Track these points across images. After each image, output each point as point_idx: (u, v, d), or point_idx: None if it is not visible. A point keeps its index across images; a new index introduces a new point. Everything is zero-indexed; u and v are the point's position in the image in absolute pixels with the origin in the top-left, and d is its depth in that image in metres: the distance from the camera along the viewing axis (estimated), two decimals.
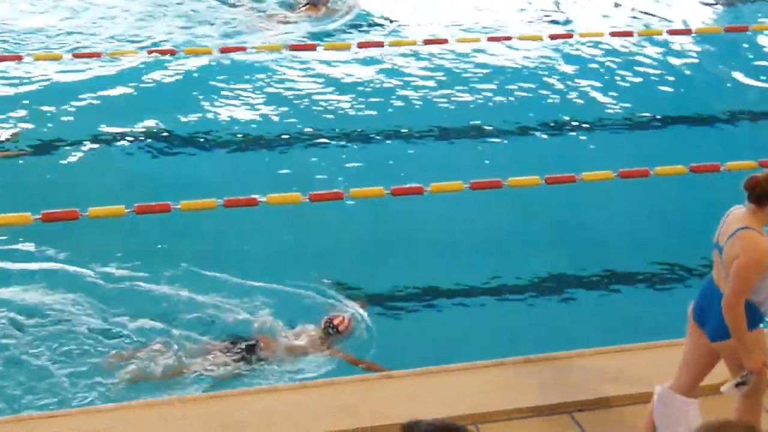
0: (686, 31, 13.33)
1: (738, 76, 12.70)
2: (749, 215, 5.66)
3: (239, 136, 11.14)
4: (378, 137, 11.13)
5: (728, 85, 12.56)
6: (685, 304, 6.07)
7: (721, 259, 5.79)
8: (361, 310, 8.85)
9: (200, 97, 11.80)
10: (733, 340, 5.79)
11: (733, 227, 5.69)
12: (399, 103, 11.84)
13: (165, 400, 7.04)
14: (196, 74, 12.26)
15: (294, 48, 12.37)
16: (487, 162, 10.60)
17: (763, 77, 12.66)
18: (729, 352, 5.90)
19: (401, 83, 12.28)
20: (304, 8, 13.91)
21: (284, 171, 10.49)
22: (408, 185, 9.24)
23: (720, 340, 5.87)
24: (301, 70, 12.43)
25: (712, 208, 8.43)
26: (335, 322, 8.66)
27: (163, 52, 12.27)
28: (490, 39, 12.70)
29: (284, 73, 12.32)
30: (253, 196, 8.93)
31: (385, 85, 12.22)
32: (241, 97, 11.86)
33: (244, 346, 8.40)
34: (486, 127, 11.37)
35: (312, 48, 12.39)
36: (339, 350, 8.53)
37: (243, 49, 12.36)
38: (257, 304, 8.77)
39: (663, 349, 7.36)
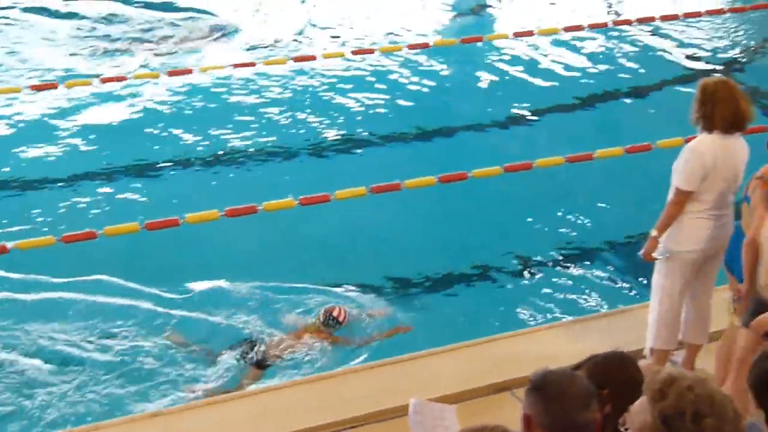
0: (424, 45, 13.55)
1: (476, 85, 13.41)
2: None
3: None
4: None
5: (465, 96, 13.19)
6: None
7: (749, 207, 6.64)
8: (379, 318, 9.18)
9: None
10: None
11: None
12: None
13: (207, 401, 7.53)
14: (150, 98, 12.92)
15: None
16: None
17: (501, 86, 13.36)
18: None
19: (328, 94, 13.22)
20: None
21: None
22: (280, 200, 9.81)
23: None
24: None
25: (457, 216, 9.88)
26: (334, 313, 8.95)
27: (111, 80, 12.73)
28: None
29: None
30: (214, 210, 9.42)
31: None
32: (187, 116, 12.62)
33: (254, 351, 8.66)
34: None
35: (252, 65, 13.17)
36: (346, 340, 8.88)
37: (190, 71, 12.91)
38: (255, 310, 9.19)
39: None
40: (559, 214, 10.84)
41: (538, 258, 10.25)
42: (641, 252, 7.35)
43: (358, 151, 11.99)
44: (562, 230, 10.67)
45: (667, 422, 3.19)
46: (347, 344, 8.92)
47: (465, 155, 11.57)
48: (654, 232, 7.21)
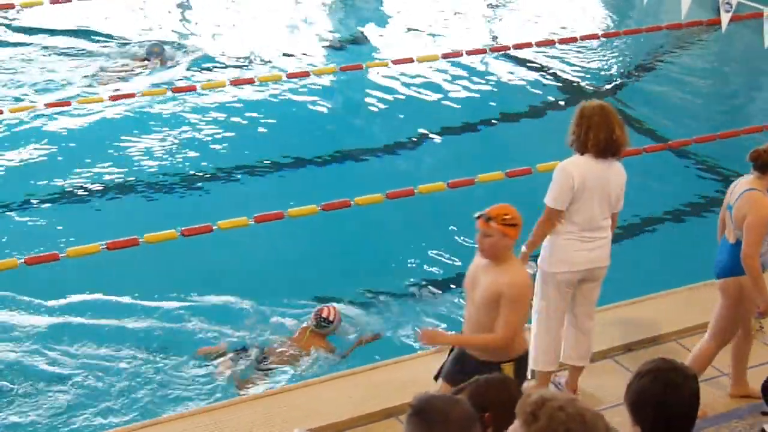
0: (304, 74, 13.71)
1: (356, 113, 13.54)
2: (754, 180, 6.99)
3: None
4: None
5: (352, 121, 13.37)
6: None
7: (731, 217, 7.06)
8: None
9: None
10: (732, 280, 7.11)
11: (741, 189, 7.01)
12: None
13: (208, 407, 7.78)
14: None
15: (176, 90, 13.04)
16: None
17: (381, 114, 13.51)
18: (725, 290, 7.22)
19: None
20: (141, 65, 14.36)
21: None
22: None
23: (723, 277, 7.19)
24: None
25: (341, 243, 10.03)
26: (323, 314, 9.17)
27: (56, 105, 12.76)
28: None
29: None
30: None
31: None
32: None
33: (253, 359, 8.90)
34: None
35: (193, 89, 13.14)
36: (331, 347, 9.08)
37: (132, 95, 13.01)
38: (248, 321, 9.42)
39: None
40: (443, 238, 10.89)
41: (422, 282, 10.28)
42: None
43: (239, 180, 11.91)
44: (446, 254, 10.72)
45: None
46: (332, 352, 9.12)
47: (348, 183, 11.58)
48: (524, 248, 7.35)
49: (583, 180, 7.09)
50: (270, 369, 8.92)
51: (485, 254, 6.29)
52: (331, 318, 9.21)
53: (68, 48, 15.00)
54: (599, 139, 7.06)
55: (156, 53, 14.49)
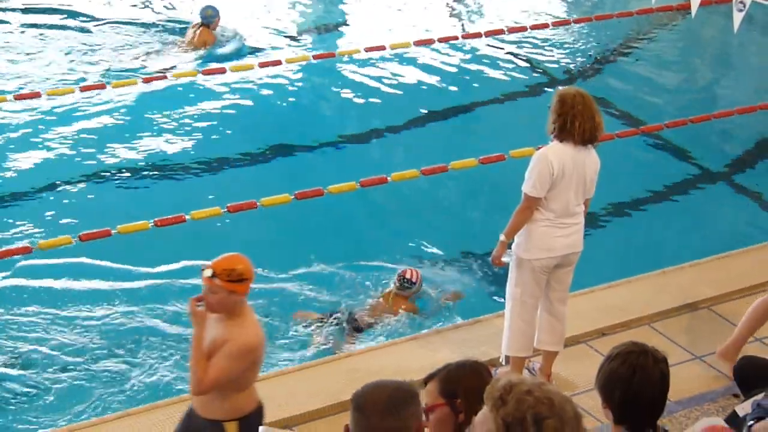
0: (276, 62, 13.54)
1: (331, 101, 13.52)
2: None
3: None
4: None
5: (325, 110, 13.39)
6: None
7: None
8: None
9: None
10: None
11: None
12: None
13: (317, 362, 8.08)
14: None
15: (207, 72, 13.12)
16: None
17: (355, 101, 13.42)
18: None
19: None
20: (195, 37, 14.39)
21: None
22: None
23: None
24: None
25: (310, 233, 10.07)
26: (407, 276, 9.45)
27: (91, 87, 12.73)
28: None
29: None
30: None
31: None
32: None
33: (342, 323, 9.19)
34: None
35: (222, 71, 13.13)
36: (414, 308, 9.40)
37: (164, 77, 13.08)
38: (334, 287, 9.75)
39: None
40: (416, 225, 10.92)
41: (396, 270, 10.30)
42: (491, 257, 7.50)
43: (213, 170, 11.88)
44: (420, 241, 10.74)
45: (510, 428, 3.23)
46: (416, 313, 9.39)
47: (321, 171, 11.57)
48: (502, 237, 7.37)
49: (563, 167, 7.11)
50: (359, 331, 9.20)
51: (213, 310, 5.61)
52: (414, 279, 9.47)
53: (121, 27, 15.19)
54: (584, 128, 7.09)
55: (209, 16, 14.45)
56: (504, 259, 7.49)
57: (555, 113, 7.17)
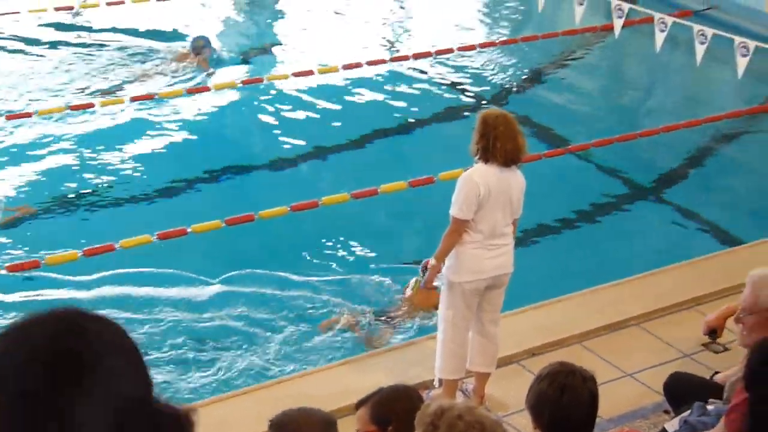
0: (204, 89, 13.66)
1: (260, 126, 13.50)
2: None
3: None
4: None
5: (254, 135, 13.40)
6: None
7: None
8: None
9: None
10: None
11: None
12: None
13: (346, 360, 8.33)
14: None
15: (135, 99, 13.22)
16: None
17: (284, 126, 13.46)
18: None
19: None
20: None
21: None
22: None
23: None
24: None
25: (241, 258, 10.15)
26: (429, 265, 9.71)
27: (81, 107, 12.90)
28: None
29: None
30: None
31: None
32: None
33: (372, 318, 9.49)
34: None
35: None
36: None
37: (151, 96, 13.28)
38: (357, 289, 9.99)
39: None
40: (348, 248, 10.90)
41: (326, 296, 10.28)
42: (422, 282, 7.52)
43: (144, 197, 11.78)
44: (350, 265, 10.73)
45: None
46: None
47: (252, 196, 11.53)
48: (433, 261, 7.42)
49: (489, 189, 7.17)
50: (392, 324, 9.48)
51: None
52: None
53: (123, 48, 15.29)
54: (506, 149, 7.15)
55: (201, 47, 14.57)
56: (436, 283, 7.54)
57: (478, 134, 7.24)
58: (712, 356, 8.21)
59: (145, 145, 12.80)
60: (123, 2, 15.61)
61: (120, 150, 12.59)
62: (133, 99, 13.17)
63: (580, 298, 9.23)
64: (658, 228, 11.76)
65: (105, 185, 11.87)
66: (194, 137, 13.08)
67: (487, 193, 7.17)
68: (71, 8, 15.77)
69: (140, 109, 13.37)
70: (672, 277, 9.56)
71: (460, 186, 7.26)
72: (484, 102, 14.22)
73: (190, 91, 13.59)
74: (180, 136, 13.08)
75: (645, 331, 8.74)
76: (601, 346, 8.45)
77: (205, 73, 14.36)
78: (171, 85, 13.99)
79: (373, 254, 10.81)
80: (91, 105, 13.07)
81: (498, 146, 7.14)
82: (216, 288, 9.97)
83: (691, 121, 13.21)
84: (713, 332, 7.62)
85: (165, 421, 1.98)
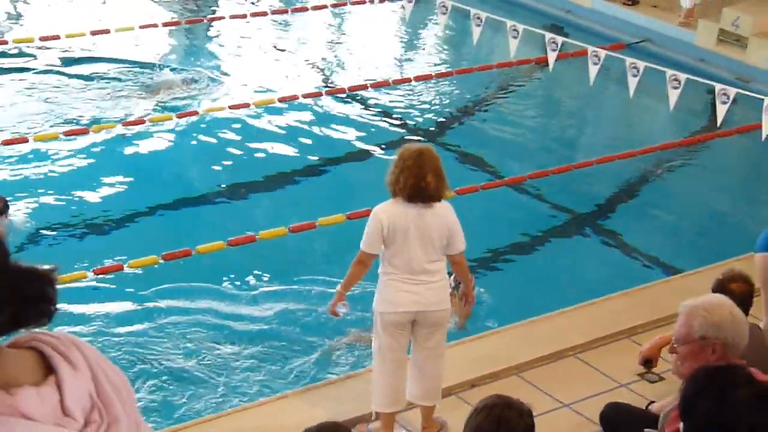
0: (140, 122, 13.58)
1: (194, 160, 13.54)
2: None
3: None
4: None
5: (190, 169, 13.37)
6: None
7: None
8: None
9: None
10: None
11: None
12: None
13: None
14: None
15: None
16: None
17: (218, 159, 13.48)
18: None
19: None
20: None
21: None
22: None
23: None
24: None
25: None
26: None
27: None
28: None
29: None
30: None
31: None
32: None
33: None
34: None
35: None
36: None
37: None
38: None
39: None
40: (288, 284, 10.86)
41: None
42: (327, 307, 7.60)
43: (79, 233, 11.67)
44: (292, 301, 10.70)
45: None
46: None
47: (187, 231, 11.46)
48: (338, 287, 7.46)
49: (393, 224, 7.12)
50: None
51: None
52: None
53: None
54: (407, 184, 7.08)
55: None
56: (338, 309, 7.59)
57: (391, 168, 7.24)
58: (647, 386, 8.28)
59: (77, 179, 12.67)
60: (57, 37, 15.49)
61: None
62: (66, 133, 13.05)
63: (519, 329, 9.27)
64: (594, 259, 11.87)
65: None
66: (128, 170, 13.01)
67: (392, 229, 7.10)
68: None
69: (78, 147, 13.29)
70: (607, 308, 9.64)
71: (369, 220, 7.27)
72: (421, 134, 14.29)
73: (126, 125, 13.49)
74: (113, 169, 13.00)
75: (581, 361, 8.79)
76: (539, 377, 8.48)
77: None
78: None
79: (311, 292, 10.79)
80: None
81: (401, 180, 7.09)
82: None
83: (625, 152, 13.35)
84: (648, 362, 7.67)
85: (25, 278, 2.14)
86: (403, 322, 7.31)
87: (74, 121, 13.92)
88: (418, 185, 7.05)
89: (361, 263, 7.33)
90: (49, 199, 12.19)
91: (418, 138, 13.94)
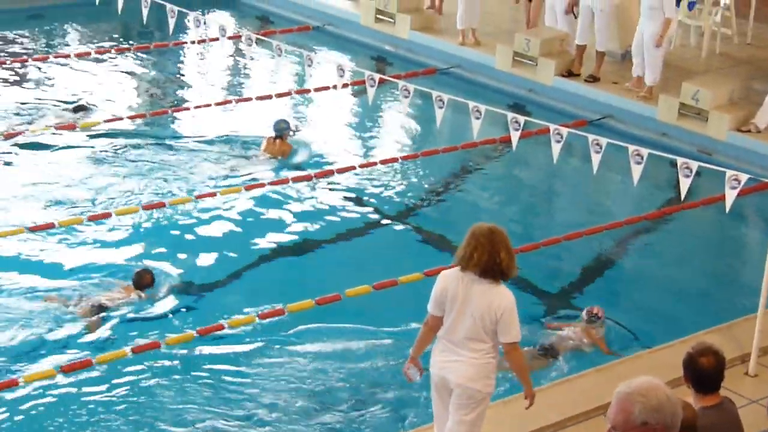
0: (106, 215, 13.57)
1: (169, 248, 13.37)
2: None
3: None
4: None
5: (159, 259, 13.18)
6: None
7: None
8: None
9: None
10: None
11: None
12: None
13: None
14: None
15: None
16: None
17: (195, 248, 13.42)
18: None
19: None
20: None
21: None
22: None
23: None
24: None
25: None
26: (595, 311, 11.06)
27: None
28: None
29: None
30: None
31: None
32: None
33: (549, 344, 10.71)
34: None
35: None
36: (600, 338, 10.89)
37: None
38: None
39: None
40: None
41: None
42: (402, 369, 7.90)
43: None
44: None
45: None
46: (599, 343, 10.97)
47: (157, 322, 11.40)
48: (411, 351, 7.79)
49: (454, 291, 7.45)
50: (555, 357, 10.76)
51: None
52: (600, 315, 11.08)
53: None
54: (481, 260, 7.39)
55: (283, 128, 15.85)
56: (411, 372, 7.79)
57: (463, 244, 7.57)
58: None
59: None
60: None
61: None
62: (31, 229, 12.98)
63: (493, 409, 9.21)
64: None
65: None
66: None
67: (453, 296, 7.45)
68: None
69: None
70: (579, 385, 9.58)
71: (435, 282, 7.66)
72: (387, 217, 14.29)
73: (92, 219, 13.46)
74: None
75: None
76: None
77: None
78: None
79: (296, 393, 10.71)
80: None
81: (474, 257, 7.39)
82: None
83: (591, 228, 13.42)
84: None
85: None
86: (440, 385, 7.62)
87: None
88: (492, 261, 7.36)
89: (426, 324, 7.67)
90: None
91: (386, 220, 13.97)
